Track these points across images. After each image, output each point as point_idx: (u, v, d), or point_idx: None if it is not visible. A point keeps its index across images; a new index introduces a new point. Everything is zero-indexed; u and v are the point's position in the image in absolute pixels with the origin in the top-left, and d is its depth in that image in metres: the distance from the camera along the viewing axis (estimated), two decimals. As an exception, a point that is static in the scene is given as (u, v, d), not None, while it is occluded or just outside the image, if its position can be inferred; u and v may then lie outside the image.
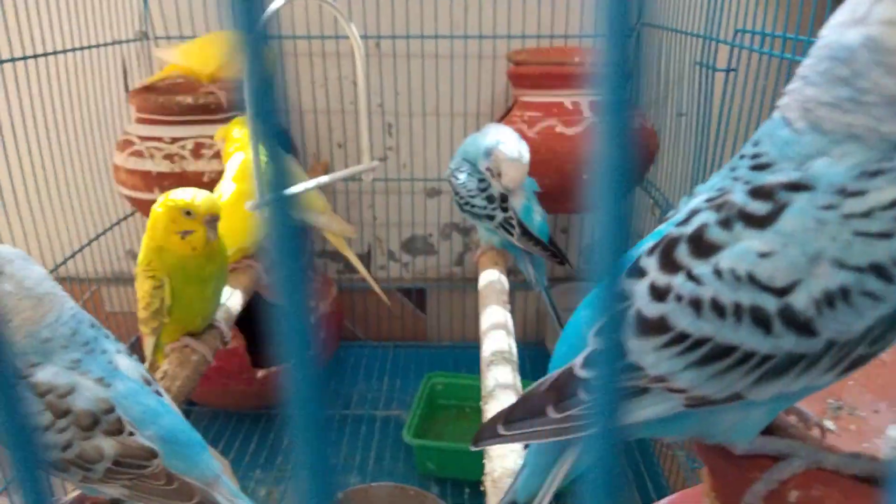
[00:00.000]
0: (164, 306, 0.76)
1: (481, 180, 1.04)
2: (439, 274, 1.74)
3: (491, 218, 1.03)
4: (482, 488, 0.61)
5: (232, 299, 0.93)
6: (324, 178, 1.03)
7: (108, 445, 0.53)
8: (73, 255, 1.28)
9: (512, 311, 1.76)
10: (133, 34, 1.46)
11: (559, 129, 1.25)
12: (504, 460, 0.60)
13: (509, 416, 0.41)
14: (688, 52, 1.19)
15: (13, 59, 1.10)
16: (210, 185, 1.25)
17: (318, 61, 1.54)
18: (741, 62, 1.01)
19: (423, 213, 1.68)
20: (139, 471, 0.54)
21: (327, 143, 1.61)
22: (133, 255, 1.59)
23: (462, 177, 1.05)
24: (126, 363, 0.58)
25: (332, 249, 1.71)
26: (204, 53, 1.27)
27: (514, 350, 0.79)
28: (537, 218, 1.05)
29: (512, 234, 1.02)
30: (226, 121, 1.27)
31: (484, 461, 0.63)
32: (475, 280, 1.75)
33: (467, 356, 1.70)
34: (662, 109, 1.44)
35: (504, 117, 1.41)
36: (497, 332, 0.82)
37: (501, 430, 0.41)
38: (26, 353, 0.54)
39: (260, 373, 1.34)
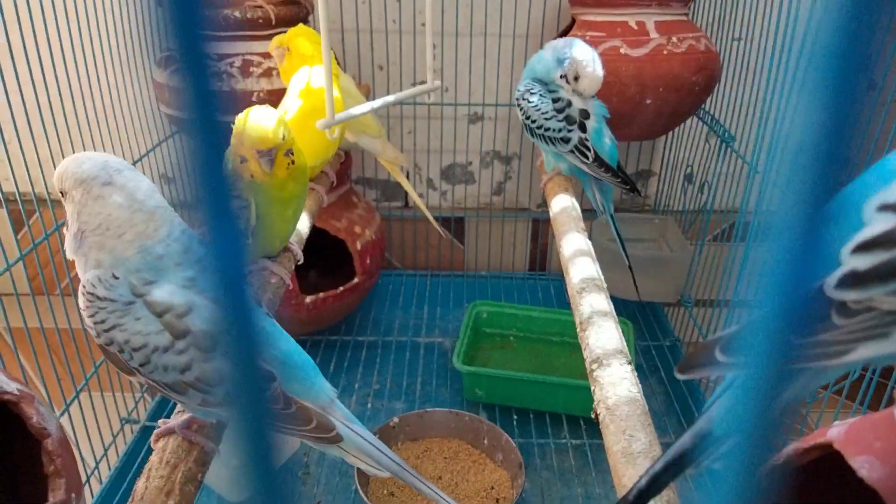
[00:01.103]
0: (248, 228, 0.73)
1: (556, 100, 0.99)
2: (478, 203, 1.71)
3: (566, 141, 0.99)
4: (594, 416, 0.60)
5: (302, 221, 0.90)
6: (389, 98, 0.99)
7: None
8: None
9: (551, 241, 1.75)
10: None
11: (623, 50, 1.19)
12: (616, 388, 0.59)
13: (727, 342, 0.37)
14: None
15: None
16: (259, 105, 1.20)
17: (360, -24, 1.46)
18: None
19: (464, 140, 1.63)
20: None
21: (369, 65, 1.55)
22: (167, 180, 1.55)
23: (534, 99, 1.00)
24: None
25: (369, 176, 1.68)
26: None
27: (602, 276, 0.77)
28: (607, 142, 1.01)
29: (587, 158, 0.98)
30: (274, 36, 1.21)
31: (593, 389, 0.61)
32: (514, 210, 1.73)
33: (506, 286, 1.70)
34: (719, 32, 1.38)
35: (562, 37, 1.34)
36: (583, 258, 0.79)
37: (720, 357, 0.37)
38: (140, 270, 0.51)
39: (308, 298, 1.33)
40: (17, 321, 1.00)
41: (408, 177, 1.68)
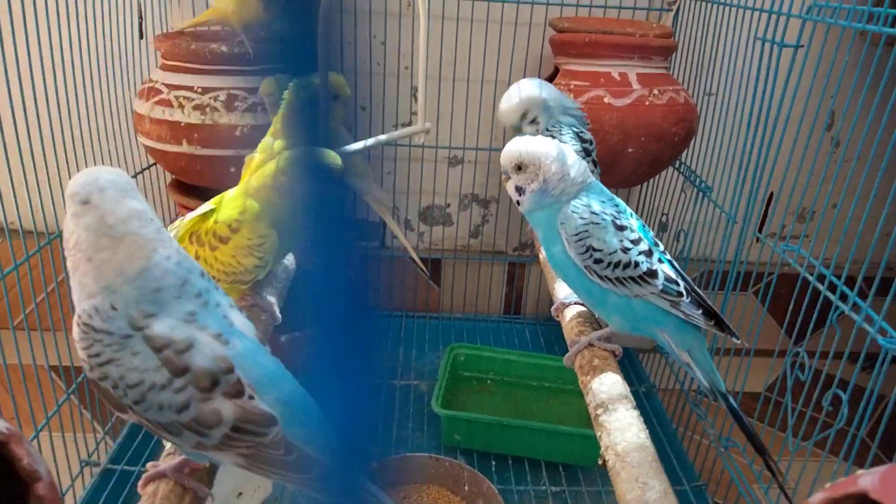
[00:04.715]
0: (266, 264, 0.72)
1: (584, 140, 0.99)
2: (456, 245, 1.71)
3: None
4: (601, 462, 0.58)
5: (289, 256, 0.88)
6: (382, 137, 0.99)
7: (226, 409, 0.48)
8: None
9: (527, 284, 1.75)
10: (154, -24, 1.37)
11: (607, 99, 1.22)
12: (625, 433, 0.58)
13: None
14: (744, 28, 1.16)
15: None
16: (242, 140, 1.19)
17: (346, 17, 1.47)
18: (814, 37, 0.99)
19: (444, 182, 1.64)
20: (258, 438, 0.49)
21: (350, 105, 1.55)
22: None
23: (566, 138, 1.00)
24: (240, 320, 0.53)
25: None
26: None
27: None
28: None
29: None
30: (262, 73, 1.21)
31: (599, 435, 0.60)
32: (491, 252, 1.73)
33: (481, 329, 1.68)
34: (695, 86, 1.42)
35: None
36: (577, 307, 0.79)
37: None
38: (139, 302, 0.48)
39: (283, 337, 1.29)
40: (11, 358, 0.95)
41: (393, 216, 1.67)
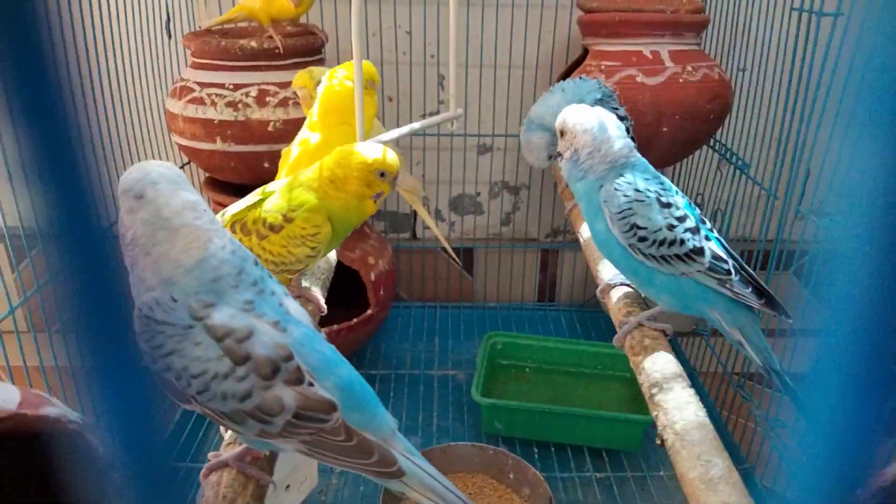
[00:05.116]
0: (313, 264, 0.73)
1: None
2: (487, 234, 1.70)
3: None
4: (659, 441, 0.58)
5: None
6: (415, 125, 0.98)
7: (288, 396, 0.48)
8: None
9: (560, 271, 1.74)
10: (180, -25, 1.38)
11: (640, 78, 1.20)
12: (682, 412, 0.57)
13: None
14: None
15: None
16: (275, 135, 1.19)
17: (371, 7, 1.47)
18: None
19: (473, 170, 1.63)
20: (319, 425, 0.49)
21: (378, 96, 1.54)
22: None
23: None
24: (294, 307, 0.53)
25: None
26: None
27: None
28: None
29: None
30: (292, 67, 1.21)
31: (655, 414, 0.60)
32: (523, 240, 1.72)
33: (516, 317, 1.68)
34: (731, 63, 1.40)
35: (576, 67, 1.36)
36: (623, 289, 0.78)
37: None
38: (198, 293, 0.49)
39: (322, 331, 1.30)
40: (16, 360, 0.96)
41: (424, 205, 1.67)
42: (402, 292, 1.74)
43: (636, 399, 1.30)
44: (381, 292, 1.37)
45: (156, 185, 0.50)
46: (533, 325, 1.64)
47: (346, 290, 1.39)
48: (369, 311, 1.35)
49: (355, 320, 1.33)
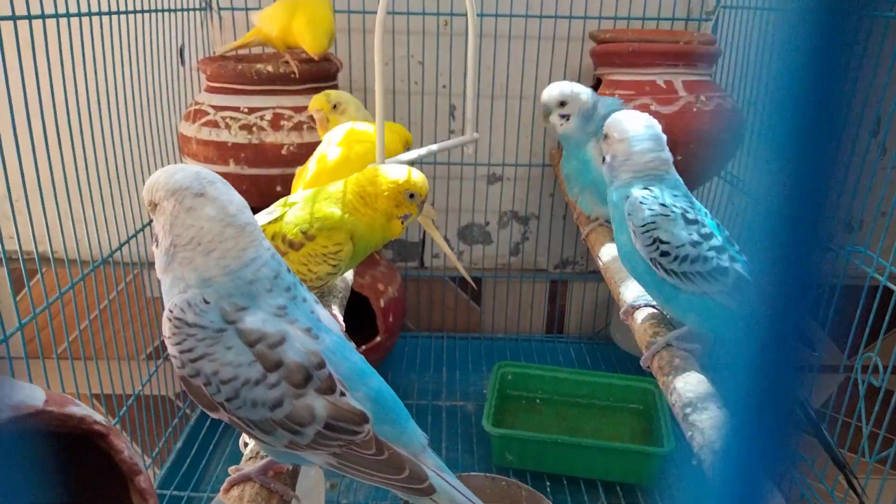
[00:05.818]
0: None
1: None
2: (496, 264, 1.69)
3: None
4: (695, 463, 0.55)
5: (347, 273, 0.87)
6: (433, 147, 0.98)
7: (319, 406, 0.46)
8: (136, 234, 1.20)
9: (570, 302, 1.72)
10: (197, 2, 1.40)
11: (654, 107, 1.21)
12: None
13: None
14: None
15: (68, 15, 0.98)
16: (289, 158, 1.19)
17: (384, 38, 1.48)
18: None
19: (483, 200, 1.62)
20: (350, 437, 0.47)
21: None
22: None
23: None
24: (325, 315, 0.52)
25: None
26: (279, 19, 1.21)
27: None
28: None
29: None
30: (307, 92, 1.21)
31: (690, 434, 0.58)
32: (532, 270, 1.71)
33: (524, 348, 1.65)
34: (741, 95, 1.41)
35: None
36: (651, 314, 0.76)
37: None
38: (232, 295, 0.47)
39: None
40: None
41: (423, 236, 1.66)
42: (410, 323, 1.71)
43: (651, 432, 1.27)
44: (391, 319, 1.35)
45: (213, 183, 0.50)
46: (542, 357, 1.62)
47: (354, 318, 1.38)
48: (378, 339, 1.33)
49: (364, 347, 1.31)
